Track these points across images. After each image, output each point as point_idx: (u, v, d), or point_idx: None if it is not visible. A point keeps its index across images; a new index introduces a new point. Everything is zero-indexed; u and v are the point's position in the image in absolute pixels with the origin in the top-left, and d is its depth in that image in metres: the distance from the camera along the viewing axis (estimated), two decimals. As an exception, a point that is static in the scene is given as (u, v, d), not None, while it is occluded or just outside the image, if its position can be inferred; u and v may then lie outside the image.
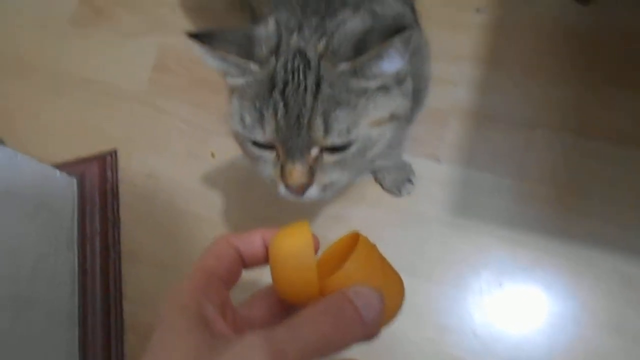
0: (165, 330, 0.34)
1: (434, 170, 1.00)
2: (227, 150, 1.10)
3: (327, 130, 0.53)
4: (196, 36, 0.54)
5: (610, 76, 0.98)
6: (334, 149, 0.55)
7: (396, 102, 0.56)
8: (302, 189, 0.56)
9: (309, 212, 1.03)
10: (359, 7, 0.60)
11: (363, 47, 0.52)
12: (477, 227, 0.95)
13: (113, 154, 1.14)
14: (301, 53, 0.54)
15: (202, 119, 1.13)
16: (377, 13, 0.60)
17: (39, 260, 0.94)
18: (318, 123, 0.53)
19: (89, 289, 1.04)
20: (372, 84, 0.54)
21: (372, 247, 0.39)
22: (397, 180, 0.97)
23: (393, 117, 0.56)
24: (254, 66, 0.55)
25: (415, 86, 0.63)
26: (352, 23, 0.55)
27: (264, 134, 0.55)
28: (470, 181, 0.98)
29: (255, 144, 0.57)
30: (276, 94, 0.53)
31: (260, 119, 0.54)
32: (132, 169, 1.13)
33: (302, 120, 0.53)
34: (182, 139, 1.12)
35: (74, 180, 1.11)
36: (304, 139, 0.54)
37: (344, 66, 0.53)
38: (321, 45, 0.55)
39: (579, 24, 1.01)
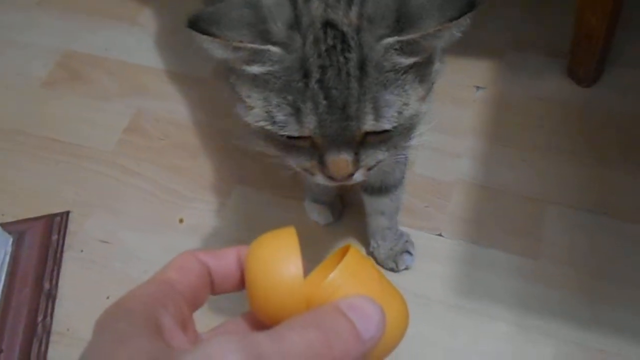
0: (98, 340, 0.26)
1: (437, 245, 0.88)
2: (198, 217, 0.96)
3: (378, 118, 0.45)
4: (197, 25, 0.44)
5: (618, 157, 0.92)
6: (378, 132, 0.47)
7: (435, 69, 0.49)
8: (349, 178, 0.49)
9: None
10: None
11: (407, 15, 0.44)
12: (486, 310, 0.81)
13: (64, 215, 0.99)
14: (331, 25, 0.45)
15: (175, 183, 1.01)
16: None
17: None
18: (368, 111, 0.45)
19: (0, 373, 0.82)
20: (421, 58, 0.47)
21: (365, 259, 0.33)
22: (394, 251, 0.84)
23: (432, 85, 0.49)
24: (274, 49, 0.45)
25: None
26: None
27: (301, 130, 0.46)
28: (478, 258, 0.85)
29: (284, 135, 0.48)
30: (313, 85, 0.44)
31: (297, 114, 0.45)
32: (83, 234, 0.97)
33: (349, 111, 0.45)
34: (148, 203, 0.99)
35: (10, 239, 0.93)
36: (350, 129, 0.45)
37: (388, 41, 0.44)
38: (353, 13, 0.45)
39: (580, 105, 0.99)
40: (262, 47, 0.44)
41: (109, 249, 0.95)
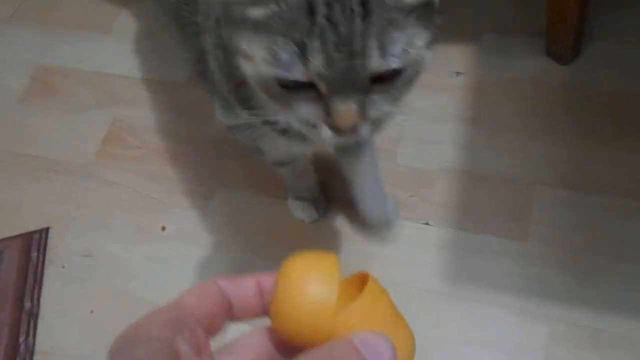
0: None
1: (424, 234, 0.86)
2: (181, 223, 0.94)
3: (384, 55, 0.45)
4: None
5: (602, 134, 0.91)
6: (383, 78, 0.46)
7: (436, 22, 0.49)
8: (355, 130, 0.48)
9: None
10: None
11: None
12: (478, 296, 0.79)
13: (43, 232, 0.97)
14: None
15: (154, 190, 0.99)
16: None
17: None
18: (373, 47, 0.45)
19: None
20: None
21: (382, 290, 0.34)
22: (384, 211, 0.84)
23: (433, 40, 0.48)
24: None
25: None
26: None
27: (307, 70, 0.45)
28: (467, 244, 0.84)
29: (286, 85, 0.47)
30: (321, 20, 0.44)
31: (302, 53, 0.45)
32: (64, 248, 0.95)
33: (355, 47, 0.44)
34: (129, 212, 0.97)
35: (-12, 258, 0.91)
36: (356, 69, 0.45)
37: None
38: None
39: (561, 84, 0.97)
40: None
41: (91, 262, 0.93)
